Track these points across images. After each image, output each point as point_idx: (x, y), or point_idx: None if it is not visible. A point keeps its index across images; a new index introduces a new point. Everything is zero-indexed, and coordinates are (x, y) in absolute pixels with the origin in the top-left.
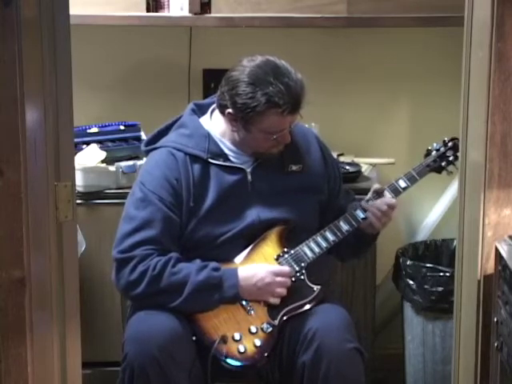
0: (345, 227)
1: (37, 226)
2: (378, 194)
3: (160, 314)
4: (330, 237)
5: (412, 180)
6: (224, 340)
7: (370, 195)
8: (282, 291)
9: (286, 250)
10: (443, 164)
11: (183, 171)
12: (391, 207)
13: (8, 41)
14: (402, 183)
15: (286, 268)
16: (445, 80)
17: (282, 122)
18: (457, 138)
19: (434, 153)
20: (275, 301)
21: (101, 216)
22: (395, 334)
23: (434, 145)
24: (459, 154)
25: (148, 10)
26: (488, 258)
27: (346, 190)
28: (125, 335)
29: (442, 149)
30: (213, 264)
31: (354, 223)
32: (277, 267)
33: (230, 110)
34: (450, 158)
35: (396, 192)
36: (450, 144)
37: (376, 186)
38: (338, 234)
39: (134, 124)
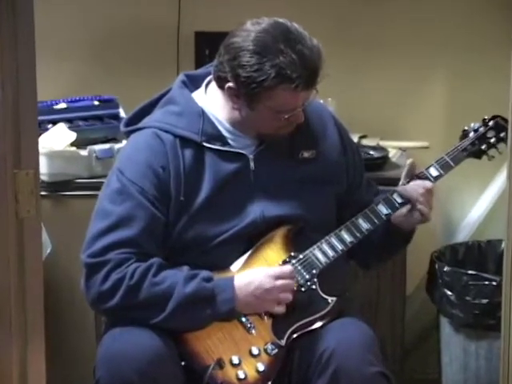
0: (364, 225)
1: None
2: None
3: (139, 331)
4: (347, 238)
5: (445, 167)
6: (220, 365)
7: (403, 178)
8: (287, 296)
9: (293, 254)
10: (483, 147)
11: (172, 157)
12: (429, 192)
13: None
14: (434, 172)
15: (286, 267)
16: (491, 48)
17: (295, 99)
18: (500, 116)
19: (471, 134)
20: (280, 309)
21: (70, 211)
22: (429, 356)
23: (472, 125)
24: (505, 135)
25: None
26: None
27: (368, 181)
28: (97, 356)
29: (482, 129)
30: (204, 273)
31: (375, 220)
32: (275, 268)
33: (230, 84)
34: (492, 140)
35: None
36: (491, 123)
37: (410, 161)
38: (357, 233)
39: (111, 99)
